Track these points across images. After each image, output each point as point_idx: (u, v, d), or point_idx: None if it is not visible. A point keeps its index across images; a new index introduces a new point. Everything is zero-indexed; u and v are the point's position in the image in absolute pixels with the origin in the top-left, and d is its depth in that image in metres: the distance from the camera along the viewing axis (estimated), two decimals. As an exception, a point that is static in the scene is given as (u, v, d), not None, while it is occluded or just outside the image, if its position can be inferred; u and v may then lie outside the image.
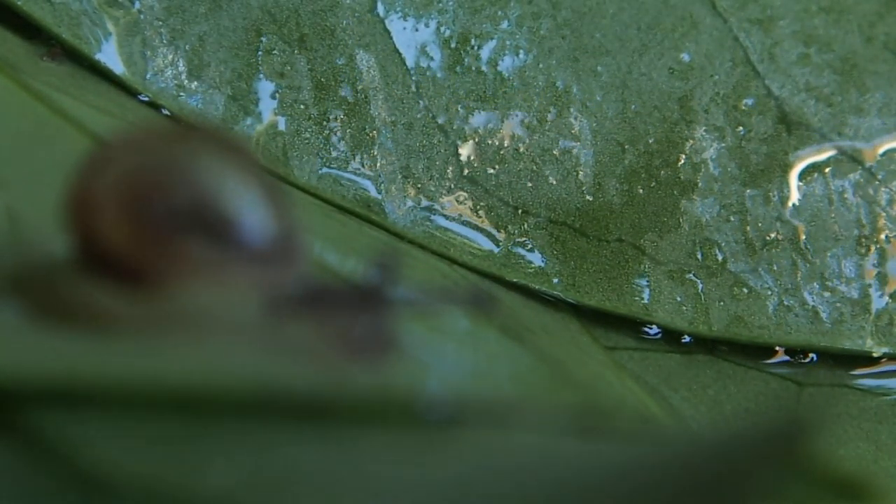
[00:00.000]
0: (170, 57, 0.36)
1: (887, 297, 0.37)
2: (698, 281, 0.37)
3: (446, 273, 0.36)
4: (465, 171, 0.37)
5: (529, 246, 0.37)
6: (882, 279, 0.37)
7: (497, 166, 0.37)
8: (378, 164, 0.36)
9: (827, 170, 0.38)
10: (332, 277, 0.26)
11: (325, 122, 0.37)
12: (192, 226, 0.24)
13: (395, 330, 0.25)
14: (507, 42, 0.37)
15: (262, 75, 0.36)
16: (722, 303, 0.37)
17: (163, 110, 0.36)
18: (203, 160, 0.24)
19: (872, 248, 0.37)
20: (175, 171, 0.24)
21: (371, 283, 0.25)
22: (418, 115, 0.37)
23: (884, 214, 0.37)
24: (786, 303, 0.37)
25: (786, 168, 0.38)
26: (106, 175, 0.24)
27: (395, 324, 0.25)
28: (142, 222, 0.24)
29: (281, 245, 0.25)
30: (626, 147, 0.37)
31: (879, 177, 0.38)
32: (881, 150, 0.38)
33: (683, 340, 0.37)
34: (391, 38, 0.37)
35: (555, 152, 0.37)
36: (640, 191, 0.37)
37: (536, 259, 0.37)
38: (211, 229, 0.24)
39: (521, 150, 0.37)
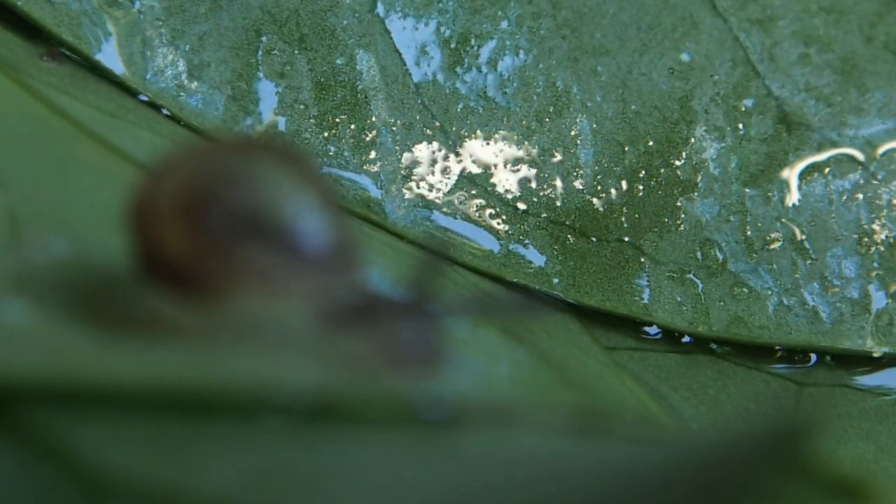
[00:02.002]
0: (170, 57, 0.36)
1: (887, 297, 0.37)
2: (698, 281, 0.37)
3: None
4: (465, 171, 0.37)
5: (529, 246, 0.37)
6: (882, 279, 0.37)
7: (497, 166, 0.37)
8: (378, 164, 0.36)
9: (827, 170, 0.38)
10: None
11: (325, 122, 0.37)
12: (250, 234, 0.24)
13: (444, 341, 0.25)
14: (507, 42, 0.37)
15: (262, 75, 0.36)
16: (722, 303, 0.37)
17: (163, 110, 0.36)
18: (261, 170, 0.24)
19: (872, 248, 0.37)
20: (233, 181, 0.24)
21: (421, 294, 0.25)
22: (418, 115, 0.37)
23: (884, 214, 0.37)
24: (786, 303, 0.37)
25: (786, 168, 0.38)
26: (166, 185, 0.24)
27: (445, 335, 0.25)
28: (201, 231, 0.24)
29: (336, 254, 0.25)
30: (626, 147, 0.37)
31: (879, 177, 0.38)
32: (881, 150, 0.38)
33: (683, 340, 0.37)
34: (391, 38, 0.37)
35: (555, 152, 0.37)
36: (640, 191, 0.37)
37: (536, 259, 0.37)
38: (268, 238, 0.24)
39: (521, 150, 0.37)
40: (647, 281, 0.37)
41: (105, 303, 0.24)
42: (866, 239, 0.37)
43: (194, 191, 0.24)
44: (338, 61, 0.37)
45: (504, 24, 0.37)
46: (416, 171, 0.37)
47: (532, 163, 0.37)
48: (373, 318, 0.25)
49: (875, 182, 0.38)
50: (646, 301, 0.37)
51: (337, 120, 0.37)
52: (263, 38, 0.37)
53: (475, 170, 0.37)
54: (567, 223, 0.37)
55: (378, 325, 0.25)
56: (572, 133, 0.37)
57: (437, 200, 0.37)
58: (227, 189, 0.24)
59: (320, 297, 0.24)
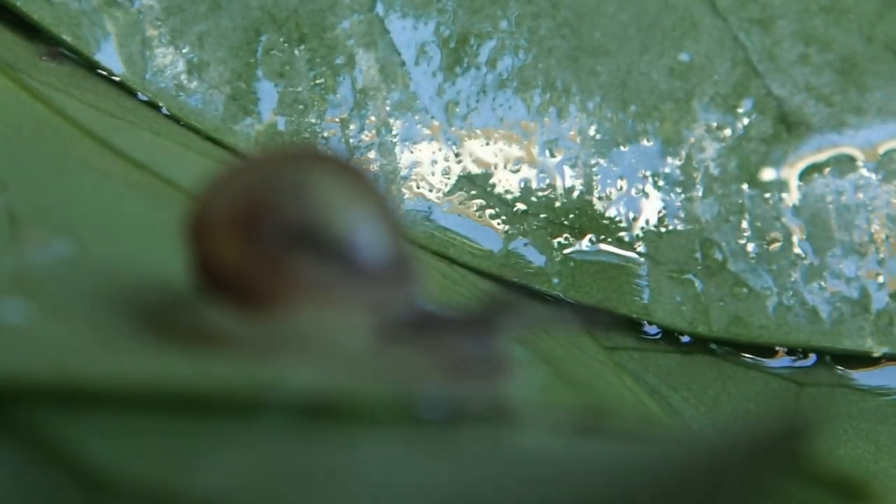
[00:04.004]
0: (169, 57, 0.36)
1: (887, 297, 0.37)
2: (698, 281, 0.37)
3: (446, 273, 0.36)
4: (465, 171, 0.37)
5: (529, 246, 0.37)
6: (882, 279, 0.37)
7: (497, 166, 0.37)
8: (378, 164, 0.36)
9: (827, 170, 0.38)
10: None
11: (324, 123, 0.37)
12: (307, 246, 0.24)
13: (506, 354, 0.25)
14: (507, 42, 0.37)
15: (261, 75, 0.36)
16: (722, 303, 0.37)
17: (162, 110, 0.36)
18: (319, 181, 0.24)
19: (872, 248, 0.37)
20: (290, 192, 0.24)
21: (481, 308, 0.25)
22: (418, 116, 0.37)
23: (883, 214, 0.37)
24: (786, 303, 0.37)
25: (786, 168, 0.38)
26: (223, 196, 0.24)
27: (506, 348, 0.25)
28: (258, 242, 0.24)
29: (393, 268, 0.24)
30: (626, 147, 0.37)
31: (879, 177, 0.38)
32: (881, 150, 0.38)
33: (683, 340, 0.37)
34: (391, 37, 0.37)
35: (555, 152, 0.37)
36: (640, 191, 0.37)
37: (536, 259, 0.37)
38: (325, 250, 0.24)
39: (521, 150, 0.37)
40: (647, 281, 0.37)
41: (161, 314, 0.24)
42: (866, 239, 0.37)
43: (251, 202, 0.24)
44: (337, 61, 0.37)
45: (503, 24, 0.37)
46: (416, 171, 0.37)
47: (532, 163, 0.37)
48: (431, 333, 0.24)
49: (875, 182, 0.38)
50: (645, 301, 0.37)
51: (337, 120, 0.37)
52: (263, 38, 0.37)
53: (475, 170, 0.37)
54: (567, 223, 0.37)
55: (437, 339, 0.24)
56: (572, 133, 0.37)
57: (437, 200, 0.37)
58: (285, 200, 0.24)
59: (377, 310, 0.24)
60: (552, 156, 0.37)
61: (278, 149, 0.27)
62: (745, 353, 0.37)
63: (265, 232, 0.24)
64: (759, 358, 0.37)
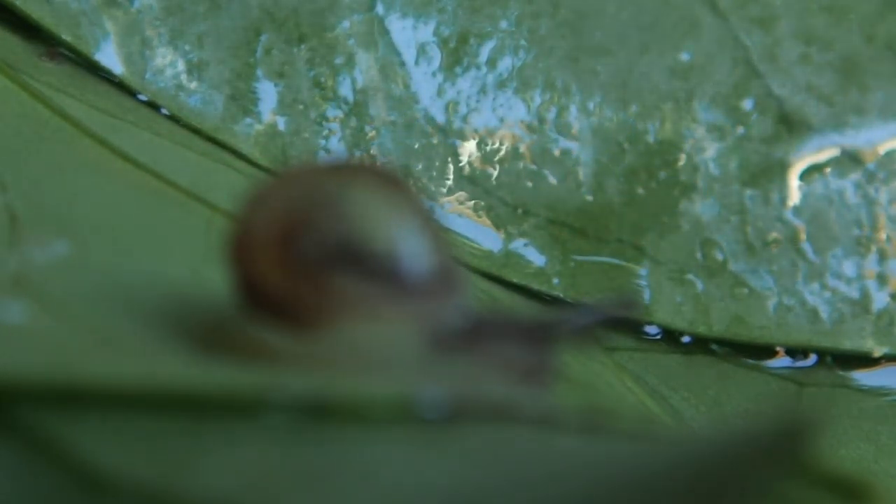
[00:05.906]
0: (169, 57, 0.36)
1: (887, 297, 0.37)
2: (698, 281, 0.37)
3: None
4: (465, 171, 0.37)
5: (529, 246, 0.37)
6: (882, 279, 0.37)
7: (497, 166, 0.37)
8: (378, 165, 0.36)
9: (827, 170, 0.38)
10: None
11: (324, 122, 0.37)
12: (351, 262, 0.24)
13: (557, 359, 0.25)
14: (507, 42, 0.37)
15: (261, 75, 0.36)
16: (722, 303, 0.37)
17: (162, 110, 0.36)
18: (360, 194, 0.24)
19: (872, 248, 0.37)
20: (330, 208, 0.24)
21: (531, 315, 0.25)
22: (418, 115, 0.37)
23: (884, 214, 0.37)
24: (786, 303, 0.37)
25: (786, 168, 0.38)
26: (264, 213, 0.24)
27: (557, 352, 0.25)
28: (301, 260, 0.24)
29: (438, 278, 0.24)
30: (626, 147, 0.37)
31: (879, 177, 0.38)
32: (881, 150, 0.38)
33: (684, 341, 0.37)
34: (390, 37, 0.37)
35: (555, 152, 0.37)
36: (640, 191, 0.37)
37: (536, 259, 0.37)
38: (369, 265, 0.24)
39: (521, 150, 0.37)
40: (647, 281, 0.37)
41: (208, 330, 0.24)
42: (866, 239, 0.37)
43: (292, 220, 0.24)
44: (337, 61, 0.37)
45: (503, 24, 0.37)
46: (416, 171, 0.37)
47: (532, 163, 0.37)
48: (482, 340, 0.24)
49: (875, 182, 0.38)
50: (646, 301, 0.37)
51: (337, 120, 0.37)
52: (262, 38, 0.37)
53: (475, 170, 0.37)
54: (567, 223, 0.37)
55: (488, 346, 0.24)
56: (572, 133, 0.37)
57: (437, 200, 0.37)
58: (325, 217, 0.24)
59: (425, 322, 0.24)
60: (552, 156, 0.37)
61: (315, 162, 0.27)
62: (746, 353, 0.37)
63: (308, 250, 0.24)
64: (759, 358, 0.37)
